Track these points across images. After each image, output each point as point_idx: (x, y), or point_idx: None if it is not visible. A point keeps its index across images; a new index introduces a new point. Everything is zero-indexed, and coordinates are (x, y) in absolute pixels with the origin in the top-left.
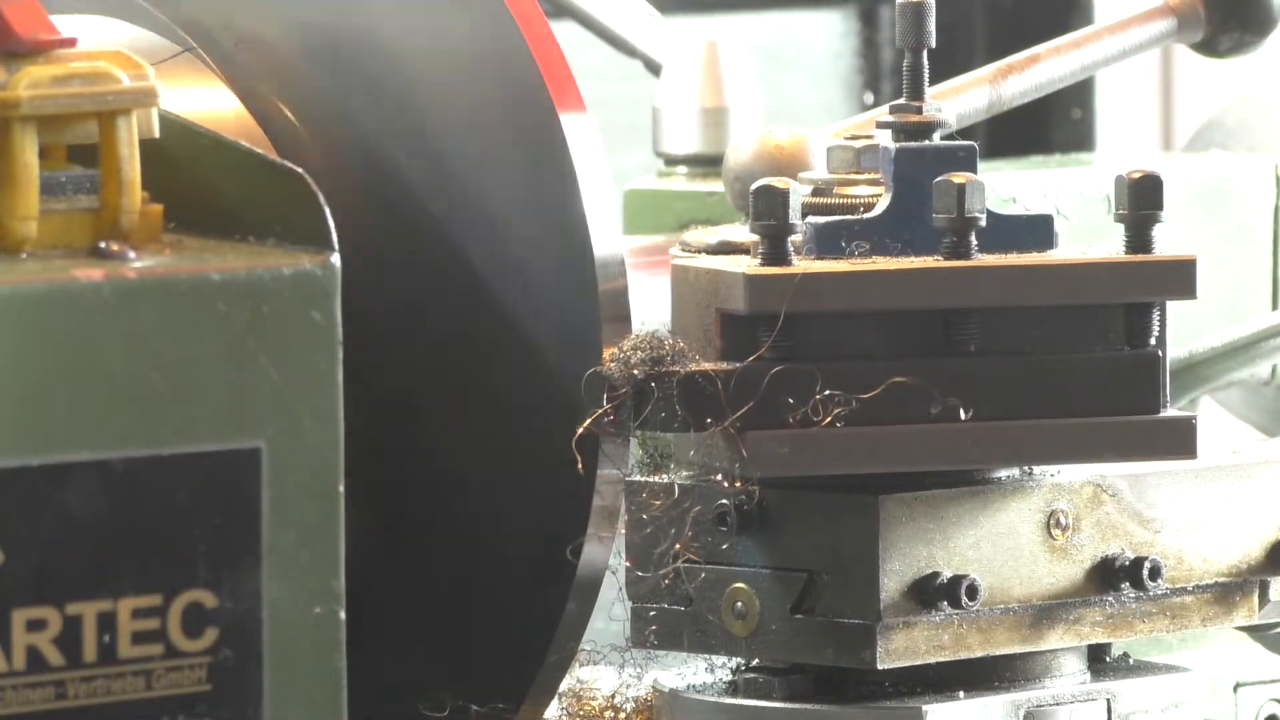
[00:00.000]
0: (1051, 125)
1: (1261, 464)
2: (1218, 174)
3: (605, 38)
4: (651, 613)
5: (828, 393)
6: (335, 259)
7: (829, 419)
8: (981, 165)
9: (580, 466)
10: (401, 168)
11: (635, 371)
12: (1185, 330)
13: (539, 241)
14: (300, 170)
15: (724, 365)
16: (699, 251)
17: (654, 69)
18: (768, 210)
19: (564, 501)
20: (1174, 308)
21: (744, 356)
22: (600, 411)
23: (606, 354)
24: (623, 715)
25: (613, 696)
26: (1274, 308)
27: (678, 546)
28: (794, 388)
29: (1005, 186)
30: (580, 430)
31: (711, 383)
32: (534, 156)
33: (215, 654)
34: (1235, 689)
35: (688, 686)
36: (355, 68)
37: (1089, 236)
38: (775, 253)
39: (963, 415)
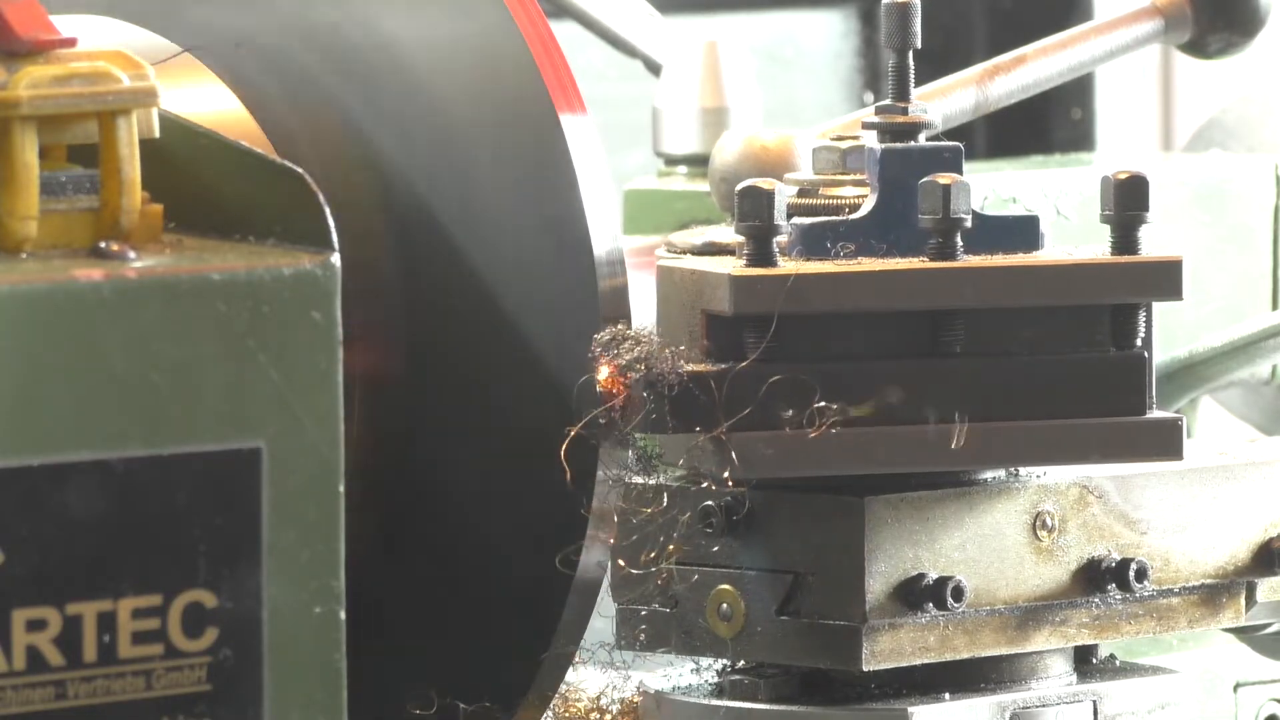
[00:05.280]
0: (1051, 125)
1: (1248, 465)
2: (1218, 174)
3: (605, 38)
4: (638, 614)
5: (822, 404)
6: (335, 259)
7: (823, 428)
8: (982, 165)
9: (569, 477)
10: (401, 167)
11: (629, 376)
12: (1185, 330)
13: (539, 241)
14: (300, 170)
15: (710, 366)
16: (685, 252)
17: (654, 69)
18: (753, 211)
19: (563, 502)
20: (1174, 308)
21: (729, 358)
22: (592, 415)
23: (599, 351)
24: (609, 717)
25: (599, 698)
26: (1274, 308)
27: (671, 549)
28: (789, 397)
29: (1005, 186)
30: (570, 435)
31: (703, 387)
32: (534, 156)
33: (215, 654)
34: (1235, 689)
35: (673, 688)
36: (355, 68)
37: (1089, 236)
38: (761, 254)
39: (954, 437)
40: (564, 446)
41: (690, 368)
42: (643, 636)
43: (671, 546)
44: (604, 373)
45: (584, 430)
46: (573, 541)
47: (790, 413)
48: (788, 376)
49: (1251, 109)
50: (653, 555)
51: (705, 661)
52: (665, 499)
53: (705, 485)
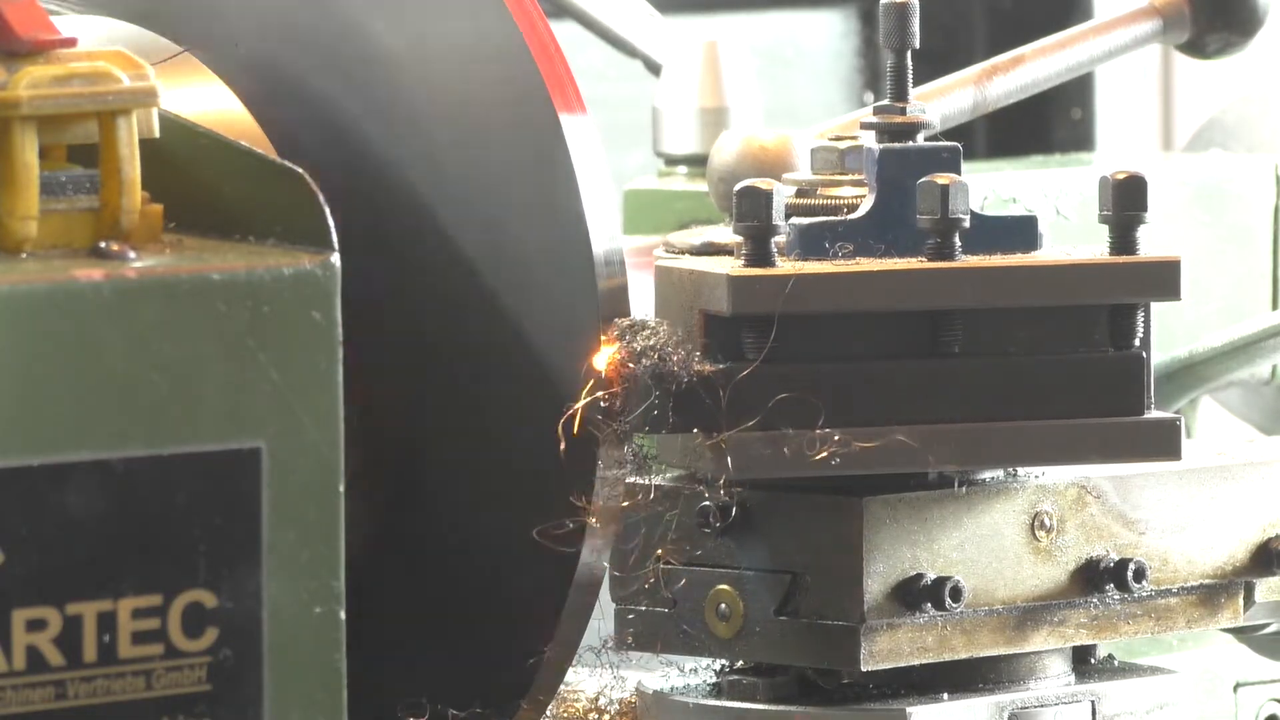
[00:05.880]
0: (1051, 125)
1: (1246, 465)
2: (1218, 174)
3: (605, 38)
4: (635, 614)
5: (827, 430)
6: (335, 259)
7: (825, 454)
8: (982, 165)
9: (563, 449)
10: (401, 167)
11: (641, 363)
12: (1185, 330)
13: (539, 241)
14: (300, 170)
15: (708, 366)
16: (683, 252)
17: (654, 69)
18: (751, 211)
19: (563, 502)
20: (1174, 307)
21: (727, 358)
22: (593, 397)
23: (612, 336)
24: (607, 717)
25: (596, 698)
26: (1274, 308)
27: (660, 552)
28: (791, 409)
29: (1005, 186)
30: (573, 410)
31: (705, 386)
32: (534, 156)
33: (215, 654)
34: (1235, 689)
35: (671, 688)
36: (355, 68)
37: (1089, 237)
38: (759, 254)
39: (956, 485)
40: (561, 421)
41: (695, 368)
42: (640, 637)
43: (666, 547)
44: (613, 356)
45: (584, 411)
46: (572, 543)
47: (791, 431)
48: (794, 395)
49: (1251, 109)
50: (653, 555)
51: (703, 661)
52: (663, 499)
53: (701, 487)
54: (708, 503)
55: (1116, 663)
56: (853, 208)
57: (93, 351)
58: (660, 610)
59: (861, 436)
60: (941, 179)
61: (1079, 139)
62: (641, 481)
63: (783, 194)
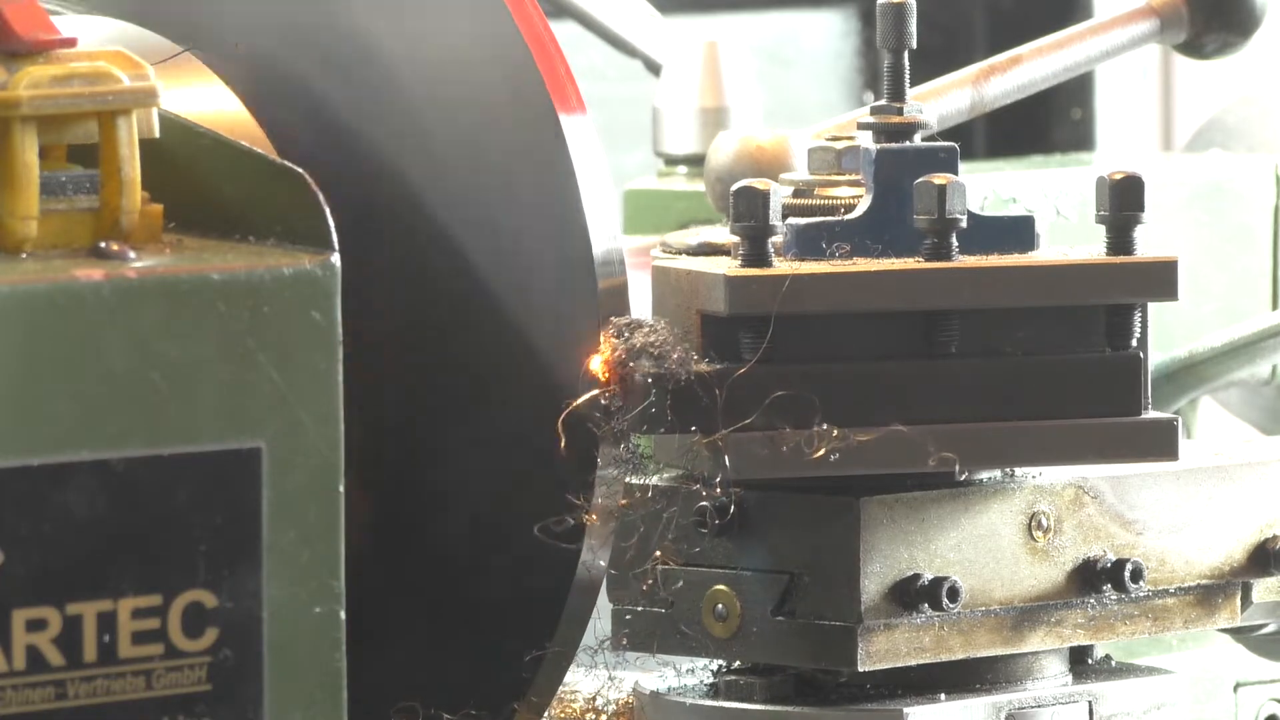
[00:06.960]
0: (1051, 125)
1: (1244, 466)
2: (1218, 174)
3: (605, 38)
4: (632, 615)
5: (825, 426)
6: (335, 259)
7: (823, 450)
8: (982, 165)
9: (563, 445)
10: (401, 168)
11: (639, 360)
12: (1185, 330)
13: (539, 241)
14: (300, 170)
15: (705, 366)
16: (680, 253)
17: (654, 69)
18: (748, 211)
19: (562, 502)
20: (1173, 307)
21: (725, 358)
22: (591, 395)
23: (609, 335)
24: (604, 717)
25: (593, 698)
26: (1274, 308)
27: (657, 553)
28: (788, 408)
29: (1005, 186)
30: (571, 408)
31: (704, 388)
32: (534, 156)
33: (215, 654)
34: (1235, 689)
35: (668, 688)
36: (355, 68)
37: (1089, 237)
38: (756, 254)
39: (957, 470)
40: (560, 419)
41: (692, 367)
42: (637, 637)
43: (664, 547)
44: (611, 353)
45: (583, 409)
46: (572, 541)
47: (788, 430)
48: (790, 393)
49: (1251, 109)
50: (653, 555)
51: (700, 662)
52: (661, 498)
53: (698, 487)
54: (705, 503)
55: (1114, 663)
56: (850, 208)
57: (93, 351)
58: (657, 610)
59: (859, 434)
60: (938, 179)
61: (1079, 139)
62: (641, 481)
63: (779, 194)
